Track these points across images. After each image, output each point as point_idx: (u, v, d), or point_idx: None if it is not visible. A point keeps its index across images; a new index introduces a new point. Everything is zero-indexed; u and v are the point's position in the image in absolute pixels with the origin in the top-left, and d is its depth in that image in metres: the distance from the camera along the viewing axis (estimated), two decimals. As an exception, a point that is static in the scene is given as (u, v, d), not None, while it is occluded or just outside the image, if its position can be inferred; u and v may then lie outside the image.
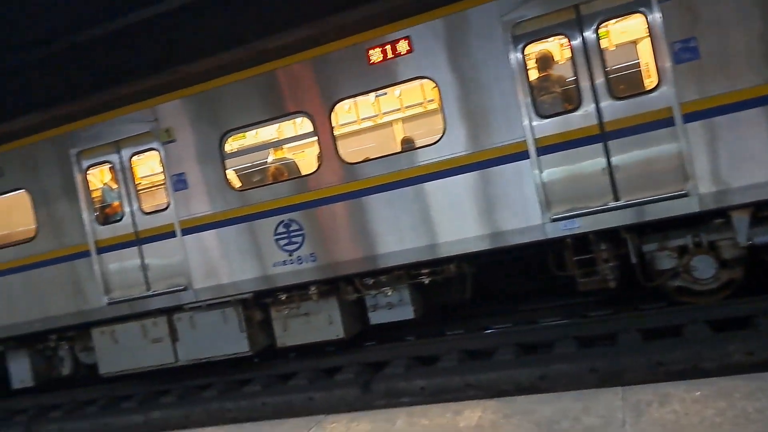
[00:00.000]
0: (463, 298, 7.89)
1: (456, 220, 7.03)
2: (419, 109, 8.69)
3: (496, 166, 6.83)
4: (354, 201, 7.42)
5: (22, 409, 9.66)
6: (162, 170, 8.24)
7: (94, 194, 8.75)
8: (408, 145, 7.89)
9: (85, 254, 8.59)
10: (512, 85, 6.70)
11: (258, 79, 7.73)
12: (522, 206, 6.77)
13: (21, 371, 9.40)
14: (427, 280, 7.46)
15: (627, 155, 6.36)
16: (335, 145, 7.47)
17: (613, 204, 6.42)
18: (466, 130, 6.93)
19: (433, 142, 7.11)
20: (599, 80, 6.44)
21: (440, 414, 4.21)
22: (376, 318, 7.83)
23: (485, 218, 6.93)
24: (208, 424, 7.33)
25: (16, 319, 9.06)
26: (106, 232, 8.53)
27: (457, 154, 6.97)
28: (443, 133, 7.02)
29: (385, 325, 7.99)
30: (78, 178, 8.55)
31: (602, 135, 6.43)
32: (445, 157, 7.02)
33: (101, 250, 8.54)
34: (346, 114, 8.55)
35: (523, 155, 6.71)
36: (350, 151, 7.79)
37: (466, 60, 6.88)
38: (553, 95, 6.93)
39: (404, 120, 8.91)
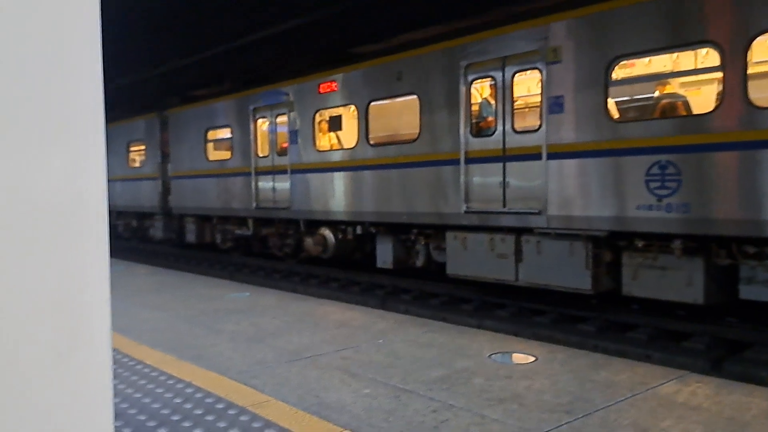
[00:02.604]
0: None
1: None
2: None
3: None
4: (756, 152, 6.27)
5: (381, 285, 11.23)
6: (539, 91, 8.14)
7: (473, 107, 9.12)
8: None
9: (454, 162, 9.07)
10: None
11: (662, 2, 6.92)
12: None
13: (385, 254, 10.74)
14: (835, 263, 6.04)
15: None
16: (745, 83, 6.33)
17: None
18: None
19: None
20: None
21: None
22: (748, 293, 6.68)
23: None
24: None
25: (389, 209, 10.25)
26: (477, 144, 8.88)
27: None
28: None
29: (754, 303, 6.81)
30: (462, 90, 8.91)
31: None
32: None
33: (469, 161, 8.94)
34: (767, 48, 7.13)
35: None
36: (763, 94, 6.52)
37: None
38: None
39: None
